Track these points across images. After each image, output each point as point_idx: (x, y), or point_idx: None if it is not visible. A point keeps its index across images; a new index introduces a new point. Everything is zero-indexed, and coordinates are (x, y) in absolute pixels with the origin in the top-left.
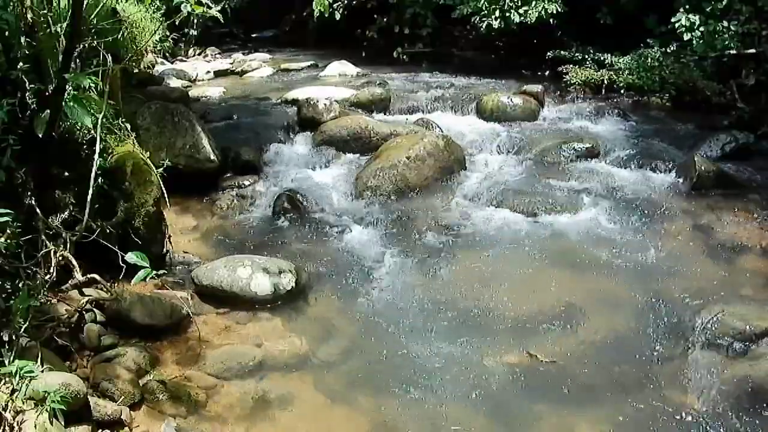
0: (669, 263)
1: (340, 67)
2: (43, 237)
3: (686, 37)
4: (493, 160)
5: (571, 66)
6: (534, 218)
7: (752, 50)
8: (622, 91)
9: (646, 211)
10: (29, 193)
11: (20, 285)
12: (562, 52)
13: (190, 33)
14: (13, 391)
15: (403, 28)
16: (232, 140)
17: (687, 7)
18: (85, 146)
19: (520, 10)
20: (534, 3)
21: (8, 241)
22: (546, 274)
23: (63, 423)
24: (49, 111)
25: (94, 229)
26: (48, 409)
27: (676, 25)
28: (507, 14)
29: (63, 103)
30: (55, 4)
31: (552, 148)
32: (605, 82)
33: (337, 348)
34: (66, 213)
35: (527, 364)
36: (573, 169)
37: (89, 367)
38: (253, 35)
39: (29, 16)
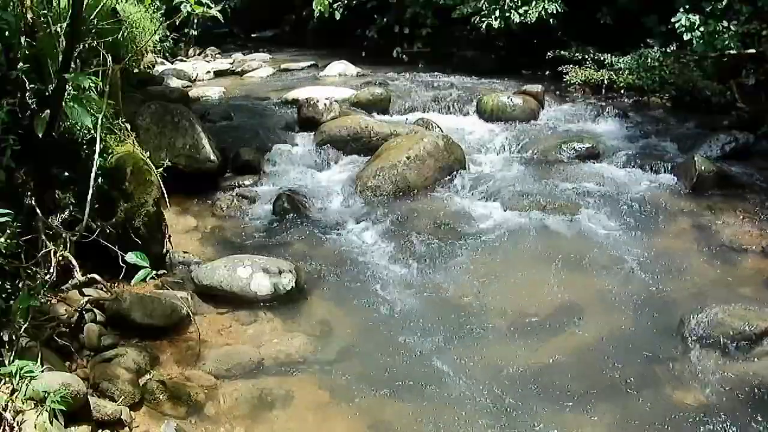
0: (669, 263)
1: (340, 67)
2: (43, 237)
3: (686, 37)
4: (493, 160)
5: (571, 66)
6: (534, 218)
7: (752, 50)
8: (622, 91)
9: (646, 211)
10: (29, 193)
11: (20, 285)
12: (562, 52)
13: (190, 33)
14: (13, 391)
15: (403, 27)
16: (232, 140)
17: (687, 7)
18: (85, 146)
19: (520, 10)
20: (534, 3)
21: (8, 241)
22: (546, 273)
23: (63, 423)
24: (49, 111)
25: (94, 229)
26: (48, 409)
27: (676, 25)
28: (507, 14)
29: (63, 103)
30: (55, 4)
31: (552, 148)
32: (605, 82)
33: (337, 348)
34: (66, 213)
35: (528, 364)
36: (573, 169)
37: (89, 367)
38: (253, 35)
39: (29, 16)
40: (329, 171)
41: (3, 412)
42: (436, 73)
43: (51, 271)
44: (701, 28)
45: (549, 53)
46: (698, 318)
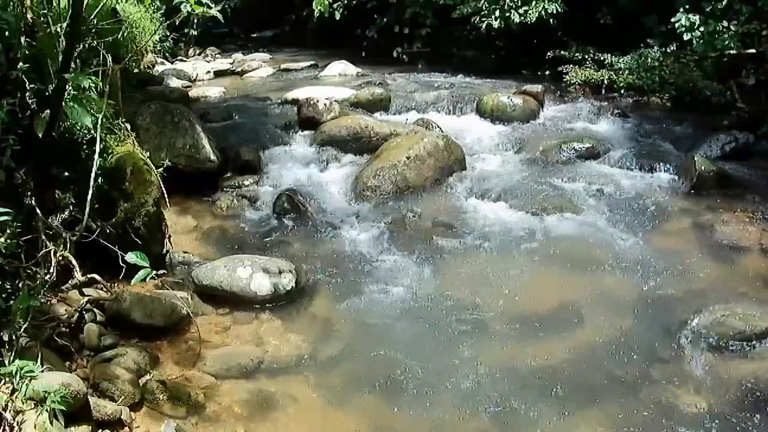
0: (669, 263)
1: (340, 67)
2: (43, 237)
3: (686, 37)
4: (493, 160)
5: (571, 66)
6: (534, 218)
7: (752, 50)
8: (622, 91)
9: (646, 211)
10: (29, 193)
11: (20, 285)
12: (562, 52)
13: (190, 33)
14: (13, 391)
15: (403, 27)
16: (232, 140)
17: (687, 7)
18: (85, 146)
19: (520, 10)
20: (534, 3)
21: (8, 241)
22: (546, 273)
23: (63, 423)
24: (49, 111)
25: (94, 229)
26: (48, 409)
27: (676, 25)
28: (507, 14)
29: (63, 103)
30: (55, 4)
31: (552, 148)
32: (605, 82)
33: (337, 348)
34: (66, 213)
35: (527, 364)
36: (573, 169)
37: (89, 367)
38: (253, 35)
39: (29, 16)
40: (329, 171)
41: (3, 412)
42: (436, 73)
43: (51, 271)
44: (701, 28)
45: (549, 53)
46: (698, 318)
